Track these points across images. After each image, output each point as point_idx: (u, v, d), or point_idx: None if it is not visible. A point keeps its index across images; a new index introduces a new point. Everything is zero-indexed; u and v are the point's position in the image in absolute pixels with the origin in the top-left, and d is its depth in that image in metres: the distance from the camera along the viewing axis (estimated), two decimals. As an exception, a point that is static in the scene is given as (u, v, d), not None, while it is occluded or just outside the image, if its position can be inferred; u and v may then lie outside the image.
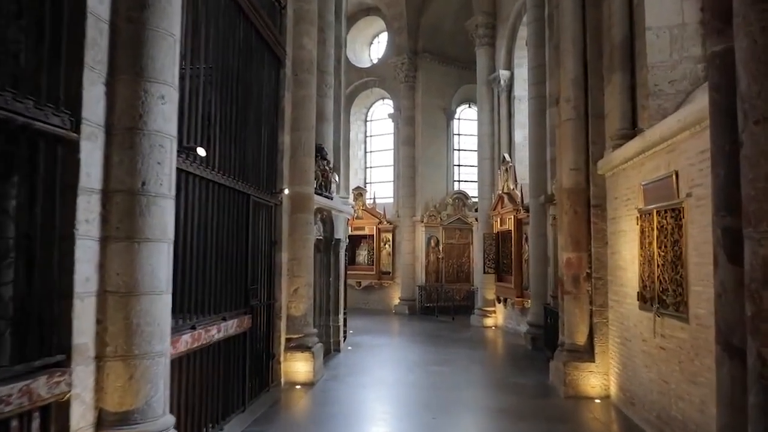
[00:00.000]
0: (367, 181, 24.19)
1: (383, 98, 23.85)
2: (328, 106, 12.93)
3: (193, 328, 5.78)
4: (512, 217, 15.08)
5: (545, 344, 12.13)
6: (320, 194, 11.15)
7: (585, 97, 8.72)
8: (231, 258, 6.98)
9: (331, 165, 12.13)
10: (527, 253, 14.23)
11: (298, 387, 8.92)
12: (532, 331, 12.99)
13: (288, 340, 9.20)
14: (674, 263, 5.83)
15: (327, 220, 12.08)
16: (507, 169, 15.51)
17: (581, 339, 8.44)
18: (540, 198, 13.01)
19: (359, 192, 22.20)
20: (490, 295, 16.89)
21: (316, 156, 11.35)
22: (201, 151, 5.47)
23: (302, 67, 9.64)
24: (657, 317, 6.21)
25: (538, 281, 13.23)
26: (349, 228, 21.86)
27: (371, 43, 24.78)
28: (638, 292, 6.88)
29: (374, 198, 22.40)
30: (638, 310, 6.92)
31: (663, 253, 6.10)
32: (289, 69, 9.50)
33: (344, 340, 13.13)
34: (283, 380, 9.01)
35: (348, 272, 22.61)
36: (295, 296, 9.29)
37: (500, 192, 15.79)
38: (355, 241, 22.46)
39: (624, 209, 7.57)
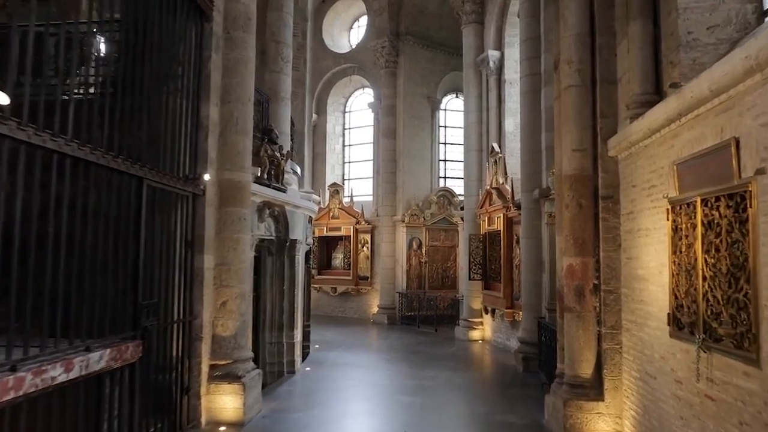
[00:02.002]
0: (345, 177, 22.32)
1: (363, 87, 22.02)
2: (284, 83, 11.10)
3: (13, 369, 3.86)
4: (501, 215, 13.27)
5: (539, 366, 10.25)
6: (268, 185, 9.25)
7: (592, 60, 6.84)
8: (104, 262, 5.05)
9: (286, 151, 10.21)
10: (518, 258, 12.39)
11: (222, 429, 6.97)
12: (523, 349, 11.11)
13: (213, 367, 7.27)
14: (733, 275, 3.95)
15: (280, 216, 10.16)
16: (496, 161, 13.68)
17: (586, 370, 6.54)
18: (533, 193, 11.19)
19: (335, 189, 20.38)
20: (477, 305, 15.01)
21: (263, 139, 9.50)
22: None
23: (236, 24, 7.73)
24: (702, 352, 4.32)
25: (531, 290, 11.37)
26: (315, 228, 20.13)
27: (351, 27, 22.92)
28: (669, 314, 4.99)
29: (351, 195, 20.48)
30: (668, 338, 5.03)
31: (713, 261, 4.21)
32: (218, 25, 7.60)
33: (303, 360, 11.20)
34: (204, 420, 7.07)
35: (322, 277, 21.04)
36: (222, 311, 7.36)
37: (488, 187, 13.97)
38: (330, 243, 20.81)
39: (646, 200, 5.69)
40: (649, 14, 5.94)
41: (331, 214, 20.17)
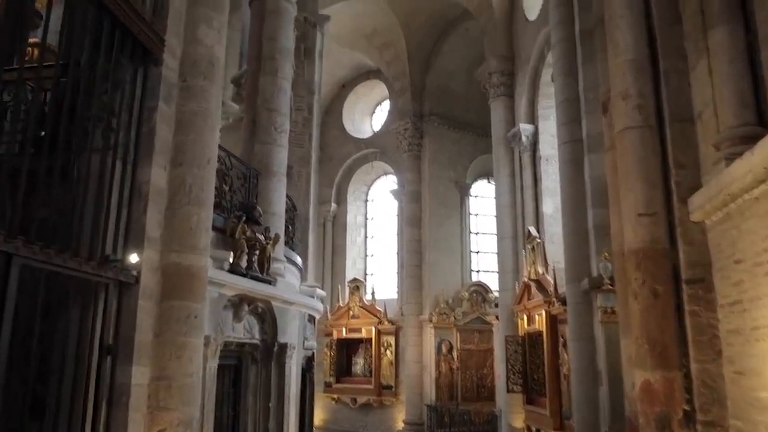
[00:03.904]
0: (367, 272, 20.68)
1: (386, 173, 20.88)
2: (277, 155, 9.67)
3: None
4: (543, 312, 11.41)
5: None
6: (244, 274, 7.55)
7: (655, 92, 5.12)
8: None
9: (273, 234, 8.57)
10: (567, 365, 10.29)
11: None
12: (579, 486, 8.77)
13: None
14: None
15: (265, 315, 8.37)
16: (534, 247, 12.01)
17: None
18: (581, 283, 9.32)
19: (356, 285, 18.78)
20: (518, 422, 12.71)
21: (242, 218, 7.87)
22: None
23: (196, 69, 6.29)
24: None
25: (585, 408, 9.19)
26: (334, 329, 18.25)
27: (373, 112, 22.08)
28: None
29: (373, 292, 18.68)
30: None
31: None
32: (172, 71, 6.18)
33: (295, 499, 9.02)
34: None
35: (341, 386, 18.85)
36: (157, 446, 5.44)
37: (526, 279, 12.23)
38: (350, 347, 18.85)
39: (764, 282, 3.75)
40: (738, 16, 4.26)
41: (351, 313, 18.43)
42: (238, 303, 7.58)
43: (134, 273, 5.42)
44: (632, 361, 4.93)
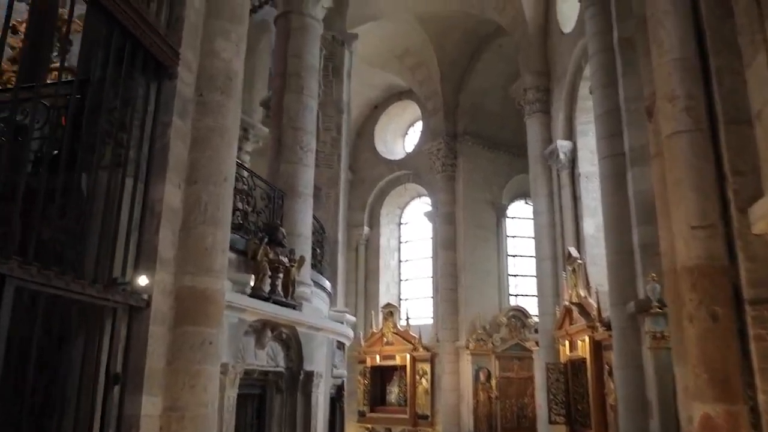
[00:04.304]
0: (402, 297, 20.24)
1: (420, 195, 20.50)
2: (303, 175, 9.49)
3: None
4: (586, 338, 10.94)
5: None
6: (266, 298, 7.27)
7: (706, 93, 4.67)
8: None
9: (299, 257, 8.27)
10: (613, 395, 9.68)
11: None
12: None
13: None
14: None
15: (290, 341, 8.06)
16: (575, 269, 11.56)
17: None
18: (627, 306, 8.81)
19: (390, 310, 18.24)
20: (562, 456, 12.02)
21: (265, 239, 7.60)
22: None
23: (212, 84, 6.08)
24: None
25: (634, 442, 8.55)
26: (367, 356, 17.79)
27: (406, 133, 21.82)
28: None
29: (408, 318, 18.20)
30: None
31: None
32: (188, 85, 5.98)
33: None
34: None
35: (375, 415, 18.31)
36: (169, 484, 5.11)
37: (567, 303, 11.75)
38: (384, 374, 18.35)
39: None
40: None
41: (385, 339, 17.93)
42: (261, 329, 7.30)
43: (145, 297, 5.14)
44: (689, 392, 4.41)
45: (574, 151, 13.40)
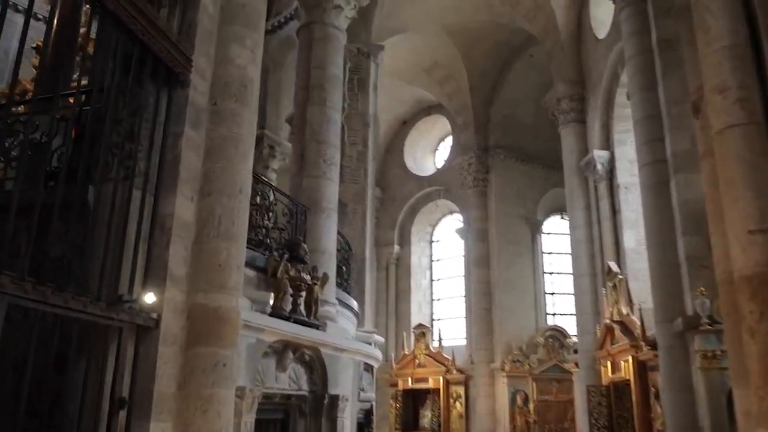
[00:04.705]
0: (434, 318, 19.87)
1: (451, 212, 20.23)
2: (327, 189, 9.27)
3: None
4: (630, 358, 10.56)
5: None
6: (287, 318, 6.98)
7: (761, 82, 4.27)
8: None
9: (322, 274, 7.99)
10: (660, 419, 9.15)
11: None
12: None
13: None
14: None
15: (314, 363, 7.75)
16: (615, 285, 11.27)
17: None
18: (674, 324, 8.42)
19: (422, 331, 17.97)
20: (607, 486, 11.43)
21: (285, 256, 7.34)
22: None
23: (227, 92, 5.88)
24: None
25: (686, 472, 8.01)
26: (399, 379, 17.39)
27: (436, 149, 21.61)
28: None
29: (440, 339, 17.83)
30: None
31: None
32: (201, 94, 5.78)
33: None
34: None
35: (409, 440, 17.98)
36: None
37: (608, 321, 11.44)
38: (417, 398, 17.99)
39: None
40: None
41: (417, 361, 17.58)
42: (282, 350, 7.01)
43: (154, 315, 4.88)
44: (752, 417, 3.96)
45: (611, 161, 13.08)
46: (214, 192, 5.62)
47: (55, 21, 5.97)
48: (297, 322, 7.16)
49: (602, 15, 13.16)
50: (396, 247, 19.93)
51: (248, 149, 6.05)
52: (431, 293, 20.25)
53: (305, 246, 7.74)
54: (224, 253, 5.54)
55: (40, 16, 8.69)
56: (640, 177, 9.61)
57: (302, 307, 7.44)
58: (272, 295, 6.94)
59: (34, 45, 6.89)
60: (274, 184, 9.66)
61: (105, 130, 4.80)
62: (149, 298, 4.79)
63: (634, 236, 12.33)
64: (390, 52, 13.98)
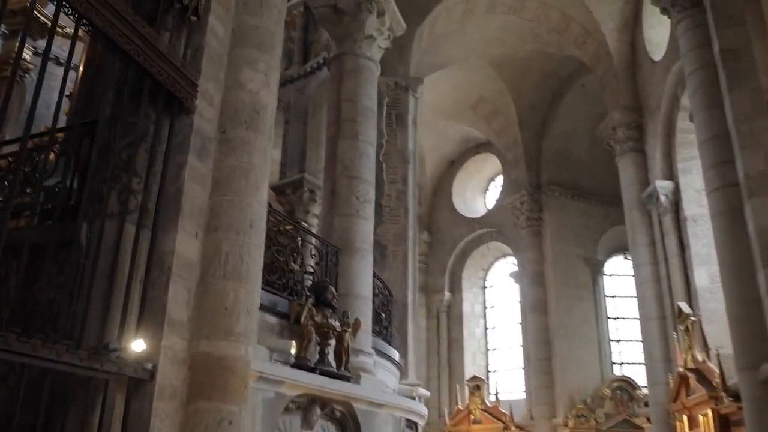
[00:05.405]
0: (489, 369, 19.13)
1: (505, 255, 19.66)
2: (360, 229, 8.82)
3: None
4: (709, 411, 9.87)
5: None
6: (312, 369, 6.43)
7: None
8: None
9: (354, 320, 7.45)
10: (751, 484, 8.21)
11: None
12: None
13: None
14: None
15: (346, 421, 7.12)
16: (688, 328, 10.78)
17: None
18: (761, 369, 7.71)
19: (476, 384, 17.49)
20: None
21: (310, 300, 6.83)
22: None
23: (237, 118, 5.55)
24: None
25: None
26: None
27: (486, 189, 21.20)
28: None
29: (497, 392, 17.11)
30: None
31: None
32: (209, 122, 5.45)
33: None
34: None
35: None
36: None
37: (681, 369, 10.85)
38: (473, 458, 17.04)
39: None
40: None
41: (472, 417, 17.05)
42: (308, 405, 6.42)
43: (149, 366, 4.42)
44: None
45: (676, 192, 12.46)
46: (221, 227, 5.20)
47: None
48: (324, 373, 6.58)
49: (656, 36, 12.79)
50: (447, 294, 19.40)
51: (260, 180, 5.63)
52: (486, 342, 19.60)
53: (333, 289, 7.22)
54: (231, 294, 5.08)
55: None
56: (709, 205, 8.96)
57: (331, 357, 6.88)
58: (294, 343, 6.43)
59: (68, 93, 6.84)
60: (311, 229, 9.32)
61: (98, 161, 4.50)
62: (139, 345, 4.32)
63: (707, 273, 11.63)
64: (432, 89, 13.72)
